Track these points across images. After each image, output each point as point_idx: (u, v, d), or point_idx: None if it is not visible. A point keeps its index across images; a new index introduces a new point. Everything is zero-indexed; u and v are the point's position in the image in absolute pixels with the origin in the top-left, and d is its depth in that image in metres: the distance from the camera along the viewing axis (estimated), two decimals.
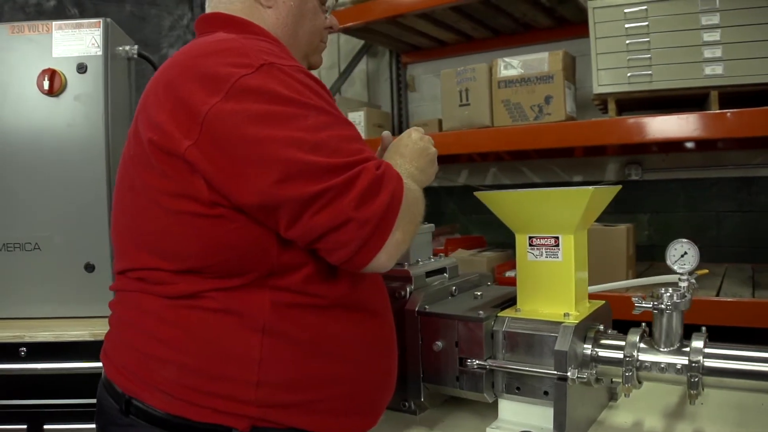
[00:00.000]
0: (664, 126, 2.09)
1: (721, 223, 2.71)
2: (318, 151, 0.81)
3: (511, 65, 2.52)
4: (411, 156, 1.08)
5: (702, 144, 2.48)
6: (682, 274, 1.15)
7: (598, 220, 2.56)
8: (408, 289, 1.21)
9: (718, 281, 2.26)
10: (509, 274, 2.59)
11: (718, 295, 2.07)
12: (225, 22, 1.02)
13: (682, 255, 1.15)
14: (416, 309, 1.18)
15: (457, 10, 2.79)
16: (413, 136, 1.13)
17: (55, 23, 1.65)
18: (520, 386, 1.10)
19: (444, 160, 3.41)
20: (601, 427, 1.14)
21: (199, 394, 0.87)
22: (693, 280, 1.24)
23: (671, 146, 2.61)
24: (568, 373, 1.00)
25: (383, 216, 0.83)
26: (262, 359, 0.87)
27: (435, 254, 1.39)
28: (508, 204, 1.15)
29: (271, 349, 0.88)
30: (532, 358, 1.08)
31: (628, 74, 2.18)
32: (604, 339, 1.09)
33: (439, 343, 1.15)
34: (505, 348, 1.11)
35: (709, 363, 0.99)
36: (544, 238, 1.12)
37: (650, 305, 1.03)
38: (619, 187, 1.18)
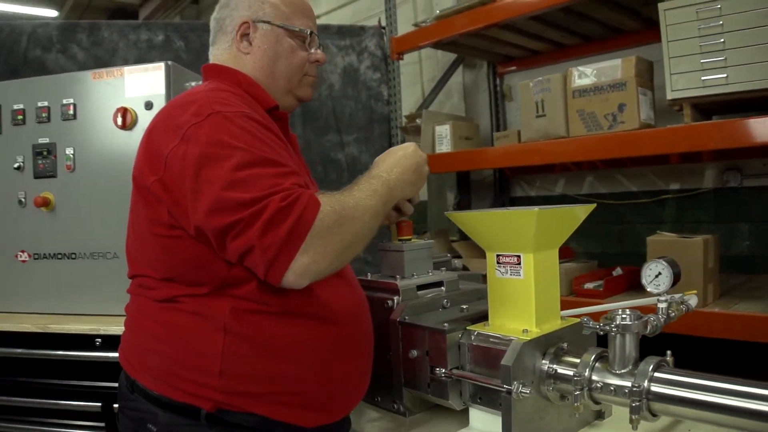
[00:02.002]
0: (748, 130, 1.93)
1: None
2: (235, 188, 0.96)
3: (584, 74, 2.47)
4: (404, 168, 1.18)
5: None
6: (658, 294, 1.13)
7: (679, 230, 2.44)
8: (395, 300, 1.32)
9: None
10: (588, 286, 2.53)
11: None
12: (213, 72, 1.23)
13: (657, 275, 1.13)
14: (398, 319, 1.28)
15: (539, 19, 2.78)
16: (410, 149, 1.23)
17: (126, 68, 2.00)
18: (482, 396, 1.15)
19: (530, 170, 3.39)
20: None
21: (176, 379, 1.06)
22: (688, 301, 1.21)
23: None
24: (512, 387, 1.04)
25: (285, 242, 0.95)
26: (224, 353, 1.04)
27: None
28: (473, 224, 1.21)
29: (231, 346, 1.05)
30: (492, 370, 1.13)
31: (702, 77, 2.04)
32: (564, 356, 1.11)
33: (414, 352, 1.24)
34: (470, 360, 1.17)
35: (656, 388, 0.97)
36: (508, 256, 1.16)
37: (597, 326, 1.04)
38: (592, 206, 1.17)
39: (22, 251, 2.11)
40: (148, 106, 1.96)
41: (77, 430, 1.93)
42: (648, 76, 2.38)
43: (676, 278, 1.10)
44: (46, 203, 2.03)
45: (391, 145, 3.49)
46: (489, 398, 1.14)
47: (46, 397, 2.00)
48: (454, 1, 3.66)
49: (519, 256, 1.14)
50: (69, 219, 2.10)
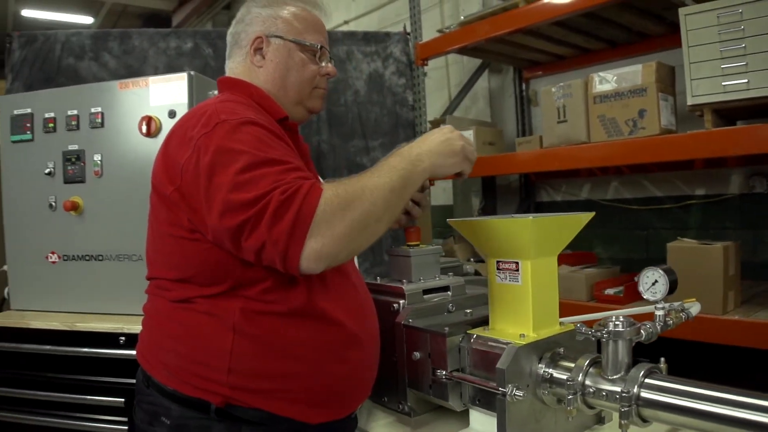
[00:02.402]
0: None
1: None
2: (241, 190, 1.01)
3: (605, 80, 2.46)
4: (431, 142, 1.19)
5: None
6: (655, 302, 1.15)
7: (704, 236, 2.41)
8: (401, 304, 1.36)
9: None
10: (609, 291, 2.52)
11: None
12: (227, 85, 1.30)
13: (653, 283, 1.14)
14: (402, 322, 1.32)
15: (561, 24, 2.79)
16: (444, 128, 1.24)
17: (151, 78, 2.10)
18: (481, 399, 1.19)
19: (555, 175, 3.38)
20: None
21: (188, 375, 1.13)
22: (689, 309, 1.22)
23: None
24: (507, 390, 1.07)
25: (291, 231, 0.99)
26: (232, 352, 1.10)
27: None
28: (474, 231, 1.24)
29: (240, 345, 1.11)
30: (490, 373, 1.16)
31: (723, 83, 2.02)
32: (561, 361, 1.13)
33: (417, 354, 1.28)
34: (469, 362, 1.21)
35: (646, 394, 0.99)
36: (506, 262, 1.19)
37: (590, 332, 1.06)
38: (591, 214, 1.19)
39: (52, 252, 2.23)
40: (172, 114, 2.05)
41: (101, 424, 2.03)
42: (669, 81, 2.36)
43: (673, 286, 1.11)
44: (75, 207, 2.15)
45: None
46: (487, 400, 1.17)
47: (72, 392, 2.11)
48: (481, 6, 3.68)
49: (517, 263, 1.17)
50: (96, 222, 2.21)
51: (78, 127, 2.19)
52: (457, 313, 1.38)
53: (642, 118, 2.33)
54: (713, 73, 2.05)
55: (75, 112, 2.17)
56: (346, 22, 4.99)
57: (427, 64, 3.40)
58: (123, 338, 1.91)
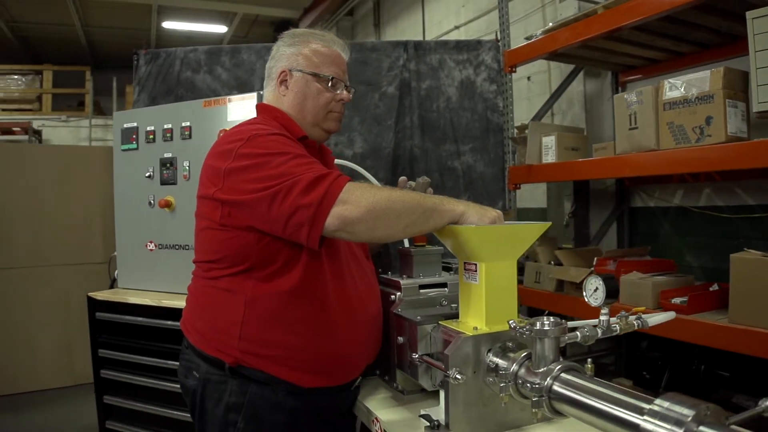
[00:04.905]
0: None
1: None
2: (276, 178, 1.29)
3: (675, 86, 2.41)
4: (476, 205, 1.36)
5: None
6: (598, 306, 1.25)
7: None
8: (397, 296, 1.57)
9: None
10: (675, 300, 2.47)
11: None
12: (260, 110, 1.61)
13: (595, 289, 1.24)
14: (394, 311, 1.54)
15: (642, 29, 2.74)
16: (494, 210, 1.36)
17: (229, 97, 2.49)
18: (442, 381, 1.36)
19: (649, 181, 3.29)
20: None
21: (210, 338, 1.44)
22: (647, 319, 1.30)
23: None
24: (450, 373, 1.25)
25: (321, 201, 1.24)
26: (243, 322, 1.40)
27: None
28: (447, 235, 1.40)
29: (249, 317, 1.39)
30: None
31: None
32: (509, 353, 1.27)
33: (401, 338, 1.49)
34: (436, 348, 1.39)
35: (558, 388, 1.11)
36: (469, 264, 1.35)
37: (519, 330, 1.19)
38: (548, 224, 1.30)
39: (150, 242, 2.75)
40: None
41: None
42: (741, 87, 2.26)
43: (611, 292, 1.21)
44: (168, 205, 2.63)
45: (504, 154, 3.63)
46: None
47: (158, 357, 2.60)
48: (576, 10, 3.66)
49: (476, 264, 1.33)
50: (185, 217, 2.61)
51: (171, 138, 2.67)
52: (446, 307, 1.56)
53: (709, 125, 2.26)
54: None
55: (169, 126, 2.65)
56: (456, 27, 5.16)
57: (515, 71, 3.48)
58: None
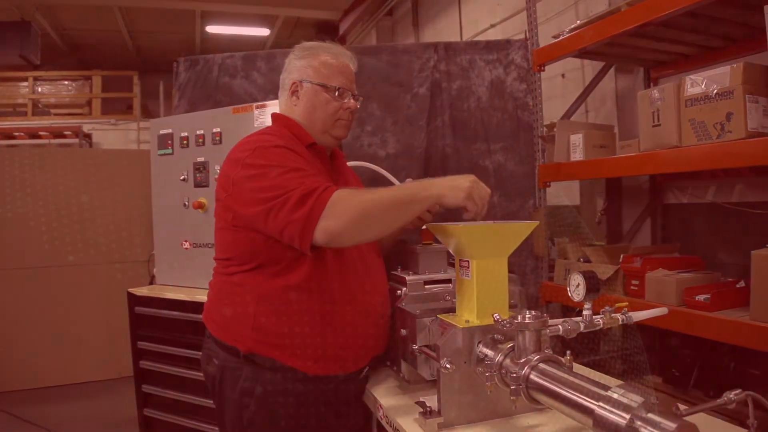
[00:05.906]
0: None
1: None
2: (271, 190, 1.42)
3: (696, 83, 2.40)
4: (446, 179, 1.47)
5: None
6: (580, 301, 1.31)
7: None
8: (403, 291, 1.66)
9: None
10: (699, 298, 2.46)
11: None
12: (273, 119, 1.73)
13: (577, 285, 1.30)
14: (399, 305, 1.63)
15: (667, 25, 2.72)
16: (468, 176, 1.48)
17: (255, 104, 2.65)
18: (437, 370, 1.45)
19: (681, 177, 3.24)
20: (508, 421, 1.38)
21: (228, 329, 1.58)
22: (630, 314, 1.35)
23: None
24: (441, 362, 1.33)
25: (309, 214, 1.37)
26: (255, 314, 1.53)
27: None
28: (441, 233, 1.49)
29: (261, 310, 1.52)
30: None
31: None
32: (497, 345, 1.35)
33: (403, 331, 1.58)
34: (434, 340, 1.48)
35: (535, 378, 1.18)
36: (464, 261, 1.43)
37: (501, 323, 1.27)
38: (535, 223, 1.37)
39: (186, 241, 2.93)
40: None
41: None
42: (763, 82, 2.23)
43: (591, 288, 1.26)
44: (201, 206, 2.80)
45: (535, 152, 3.65)
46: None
47: (190, 349, 2.77)
48: (607, 7, 3.64)
49: (469, 261, 1.41)
50: None
51: (204, 143, 2.84)
52: (449, 302, 1.64)
53: (729, 121, 2.24)
54: None
55: (202, 131, 2.82)
56: (492, 26, 5.17)
57: (544, 70, 3.49)
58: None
